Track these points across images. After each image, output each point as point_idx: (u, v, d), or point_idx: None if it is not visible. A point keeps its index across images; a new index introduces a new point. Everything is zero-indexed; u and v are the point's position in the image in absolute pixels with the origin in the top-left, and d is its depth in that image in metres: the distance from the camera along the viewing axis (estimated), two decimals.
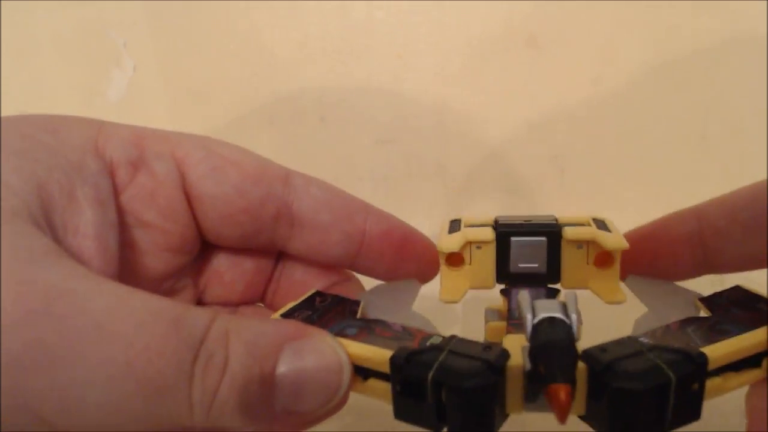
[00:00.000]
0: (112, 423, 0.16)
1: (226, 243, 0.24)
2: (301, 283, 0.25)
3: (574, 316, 0.18)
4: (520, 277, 0.24)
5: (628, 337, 0.19)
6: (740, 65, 0.42)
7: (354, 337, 0.20)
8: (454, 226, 0.25)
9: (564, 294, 0.23)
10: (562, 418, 0.16)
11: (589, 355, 0.17)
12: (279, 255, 0.26)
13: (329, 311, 0.22)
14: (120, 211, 0.21)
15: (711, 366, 0.18)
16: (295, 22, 0.42)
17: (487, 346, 0.18)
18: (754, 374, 0.19)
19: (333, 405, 0.19)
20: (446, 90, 0.43)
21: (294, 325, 0.20)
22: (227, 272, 0.25)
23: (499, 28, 0.43)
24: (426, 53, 0.43)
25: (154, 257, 0.22)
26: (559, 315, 0.18)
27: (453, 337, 0.19)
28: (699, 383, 0.17)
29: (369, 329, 0.21)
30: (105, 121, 0.22)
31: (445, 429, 0.18)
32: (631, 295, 0.24)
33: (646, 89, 0.43)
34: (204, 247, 0.25)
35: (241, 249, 0.25)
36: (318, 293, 0.24)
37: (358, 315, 0.22)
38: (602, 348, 0.18)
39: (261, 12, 0.43)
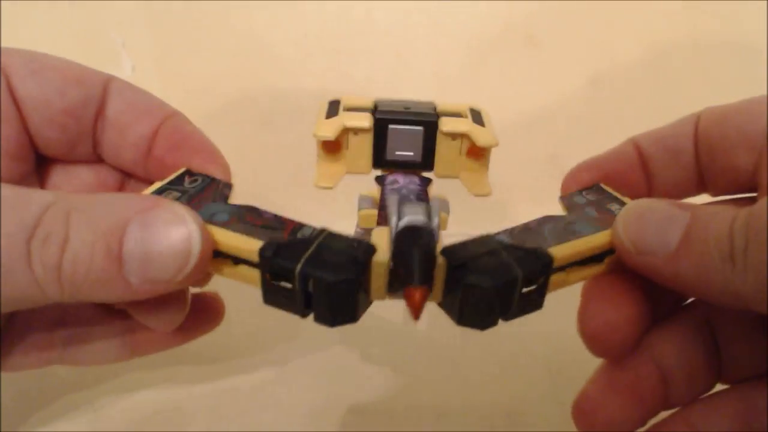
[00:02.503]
0: None
1: (55, 151, 0.25)
2: None
3: (436, 221, 0.19)
4: (395, 164, 0.24)
5: (488, 235, 0.20)
6: (739, 65, 0.42)
7: (225, 224, 0.20)
8: (332, 109, 0.24)
9: (432, 199, 0.23)
10: (416, 315, 0.17)
11: (449, 251, 0.19)
12: (123, 180, 0.26)
13: (200, 193, 0.22)
14: None
15: (556, 264, 0.19)
16: (295, 22, 0.42)
17: (355, 241, 0.19)
18: (595, 269, 0.21)
19: (189, 271, 0.19)
20: (445, 89, 0.43)
21: (143, 198, 0.20)
22: (64, 188, 0.26)
23: (498, 28, 0.43)
24: (425, 53, 0.43)
25: None
26: (421, 221, 0.18)
27: (323, 230, 0.20)
28: (544, 279, 0.19)
29: (240, 216, 0.21)
30: None
31: (312, 315, 0.19)
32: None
33: (644, 89, 0.43)
34: (41, 162, 0.25)
35: (76, 162, 0.26)
36: (188, 172, 0.23)
37: (230, 200, 0.22)
38: (463, 244, 0.19)
39: (260, 12, 0.43)
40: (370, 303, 0.20)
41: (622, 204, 0.22)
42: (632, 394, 0.21)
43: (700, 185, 0.24)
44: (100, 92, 0.24)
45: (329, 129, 0.23)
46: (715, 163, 0.22)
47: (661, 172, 0.23)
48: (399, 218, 0.19)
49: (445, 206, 0.24)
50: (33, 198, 0.19)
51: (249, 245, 0.19)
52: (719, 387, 0.23)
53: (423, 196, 0.23)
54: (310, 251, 0.18)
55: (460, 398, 0.31)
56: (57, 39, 0.42)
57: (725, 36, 0.43)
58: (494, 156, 0.25)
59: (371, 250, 0.19)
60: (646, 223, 0.19)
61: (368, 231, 0.23)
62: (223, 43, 0.43)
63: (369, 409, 0.30)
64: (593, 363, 0.23)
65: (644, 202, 0.20)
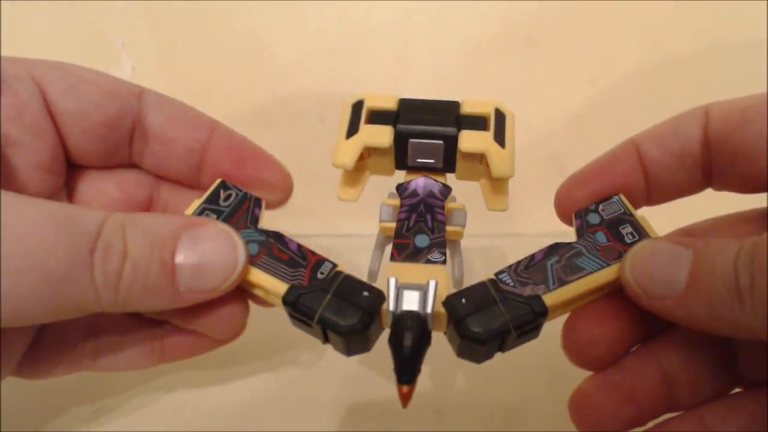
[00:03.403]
0: (28, 310, 0.19)
1: (90, 161, 0.25)
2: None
3: (429, 311, 0.20)
4: (418, 168, 0.25)
5: (489, 282, 0.22)
6: (739, 65, 0.42)
7: (254, 259, 0.22)
8: (355, 117, 0.25)
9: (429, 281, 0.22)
10: (404, 405, 0.20)
11: (450, 304, 0.21)
12: (152, 187, 0.27)
13: (234, 213, 0.24)
14: None
15: (552, 309, 0.21)
16: (295, 22, 0.43)
17: (366, 288, 0.21)
18: (595, 296, 0.22)
19: (233, 281, 0.21)
20: (445, 90, 0.43)
21: (187, 216, 0.22)
22: (93, 201, 0.26)
23: (498, 28, 0.43)
24: (425, 53, 0.43)
25: (28, 176, 0.23)
26: (416, 309, 0.20)
27: (339, 273, 0.22)
28: (538, 325, 0.21)
29: (268, 248, 0.23)
30: None
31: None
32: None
33: (643, 88, 0.43)
34: (70, 173, 0.26)
35: (105, 175, 0.26)
36: (223, 185, 0.25)
37: (260, 220, 0.24)
38: (464, 295, 0.21)
39: (260, 12, 0.43)
40: (383, 329, 0.22)
41: (636, 228, 0.23)
42: (625, 393, 0.22)
43: (704, 184, 0.23)
44: (135, 104, 0.25)
45: (348, 156, 0.24)
46: (733, 169, 0.22)
47: (664, 176, 0.23)
48: (396, 304, 0.20)
49: (461, 218, 0.25)
50: (86, 213, 0.20)
51: (275, 288, 0.22)
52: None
53: (439, 215, 0.24)
54: (326, 300, 0.21)
55: (459, 397, 0.31)
56: (57, 39, 0.42)
57: (725, 36, 0.43)
58: None
59: (380, 299, 0.21)
60: (652, 268, 0.20)
61: (388, 239, 0.24)
62: (223, 44, 0.43)
63: (369, 409, 0.30)
64: None
65: (648, 246, 0.20)
